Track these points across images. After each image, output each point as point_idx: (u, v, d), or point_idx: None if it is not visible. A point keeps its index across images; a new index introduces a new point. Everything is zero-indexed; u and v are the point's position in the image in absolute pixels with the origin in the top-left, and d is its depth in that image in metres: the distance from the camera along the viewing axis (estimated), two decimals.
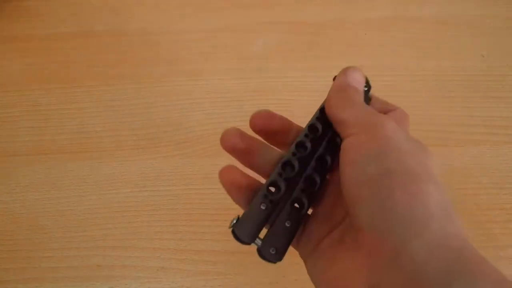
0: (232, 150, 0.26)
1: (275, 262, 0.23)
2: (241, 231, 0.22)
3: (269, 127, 0.26)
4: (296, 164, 0.24)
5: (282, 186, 0.23)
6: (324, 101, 0.26)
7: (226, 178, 0.24)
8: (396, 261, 0.17)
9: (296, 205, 0.24)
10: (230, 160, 0.44)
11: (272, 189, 0.24)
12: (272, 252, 0.23)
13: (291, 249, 0.38)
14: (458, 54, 0.49)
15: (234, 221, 0.23)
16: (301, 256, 0.24)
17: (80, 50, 0.51)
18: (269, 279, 0.36)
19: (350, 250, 0.21)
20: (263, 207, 0.23)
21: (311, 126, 0.25)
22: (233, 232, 0.22)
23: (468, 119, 0.44)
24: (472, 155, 0.42)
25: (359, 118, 0.22)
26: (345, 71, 0.25)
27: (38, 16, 0.55)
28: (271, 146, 0.26)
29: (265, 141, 0.26)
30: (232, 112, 0.45)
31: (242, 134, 0.25)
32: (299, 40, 0.51)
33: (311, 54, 0.50)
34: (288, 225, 0.23)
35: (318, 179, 0.24)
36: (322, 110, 0.26)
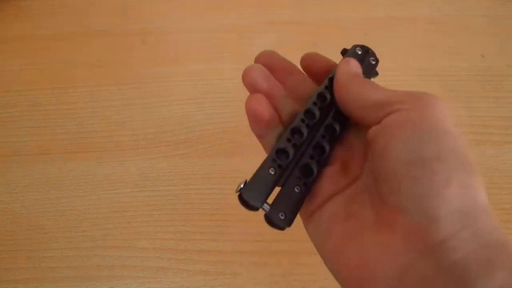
0: (252, 87, 0.25)
1: (283, 228, 0.22)
2: (249, 195, 0.22)
3: (271, 64, 0.26)
4: (304, 131, 0.24)
5: (291, 152, 0.23)
6: (333, 73, 0.25)
7: (251, 105, 0.24)
8: (439, 249, 0.17)
9: (305, 171, 0.23)
10: (229, 160, 0.44)
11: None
12: (281, 218, 0.22)
13: (290, 250, 0.38)
14: (458, 54, 0.49)
15: (242, 185, 0.22)
16: (301, 216, 0.24)
17: (80, 50, 0.51)
18: (268, 279, 0.36)
19: (374, 229, 0.20)
20: (271, 172, 0.23)
21: (319, 94, 0.25)
22: (240, 196, 0.22)
23: (468, 119, 0.44)
24: (472, 155, 0.42)
25: (402, 95, 0.21)
26: (347, 61, 0.25)
27: (38, 16, 0.55)
28: (290, 99, 0.25)
29: (286, 92, 0.25)
30: (232, 112, 0.45)
31: (266, 74, 0.25)
32: (299, 40, 0.51)
33: None
34: (297, 191, 0.23)
35: (327, 147, 0.24)
36: (330, 80, 0.25)
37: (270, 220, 0.22)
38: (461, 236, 0.17)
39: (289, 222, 0.22)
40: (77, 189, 0.41)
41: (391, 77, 0.48)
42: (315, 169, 0.23)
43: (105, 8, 0.55)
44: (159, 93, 0.47)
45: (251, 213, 0.40)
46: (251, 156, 0.37)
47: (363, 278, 0.19)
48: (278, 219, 0.22)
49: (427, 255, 0.17)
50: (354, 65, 0.24)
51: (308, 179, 0.23)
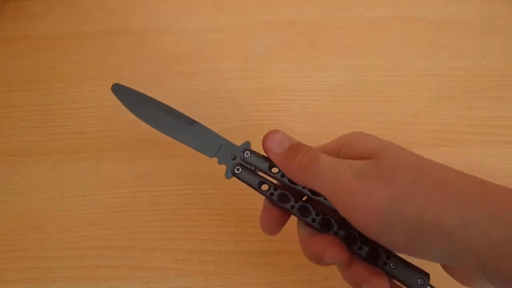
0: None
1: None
2: None
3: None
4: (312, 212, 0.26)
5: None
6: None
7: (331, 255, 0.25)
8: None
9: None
10: None
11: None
12: (420, 284, 0.24)
13: (290, 250, 0.38)
14: (458, 54, 0.49)
15: None
16: None
17: (80, 50, 0.51)
18: (268, 279, 0.36)
19: None
20: None
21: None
22: None
23: (468, 119, 0.44)
24: (472, 155, 0.42)
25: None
26: (269, 149, 0.27)
27: (38, 16, 0.55)
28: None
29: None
30: (232, 112, 0.45)
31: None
32: (299, 40, 0.51)
33: (311, 54, 0.50)
34: (393, 267, 0.25)
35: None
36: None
37: None
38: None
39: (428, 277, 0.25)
40: (77, 189, 0.41)
41: (390, 77, 0.48)
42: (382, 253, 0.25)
43: (104, 8, 0.55)
44: (159, 93, 0.47)
45: (251, 213, 0.40)
46: None
47: None
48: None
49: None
50: (277, 143, 0.27)
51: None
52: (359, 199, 0.22)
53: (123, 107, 0.45)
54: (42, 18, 0.54)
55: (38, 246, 0.38)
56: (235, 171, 0.28)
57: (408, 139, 0.43)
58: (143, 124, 0.43)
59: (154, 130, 0.45)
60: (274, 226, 0.28)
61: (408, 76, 0.48)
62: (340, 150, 0.26)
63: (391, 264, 0.25)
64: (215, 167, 0.42)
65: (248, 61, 0.49)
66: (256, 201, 0.39)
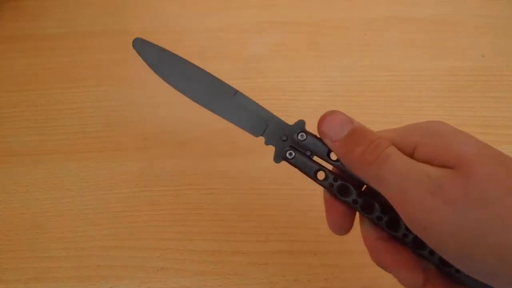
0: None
1: None
2: None
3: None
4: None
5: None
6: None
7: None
8: None
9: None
10: (229, 160, 0.44)
11: None
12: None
13: (290, 250, 0.38)
14: (458, 54, 0.49)
15: None
16: None
17: (80, 50, 0.51)
18: (268, 279, 0.36)
19: None
20: None
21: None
22: None
23: (468, 119, 0.44)
24: None
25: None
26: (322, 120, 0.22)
27: (38, 16, 0.55)
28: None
29: None
30: None
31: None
32: (299, 40, 0.51)
33: (311, 54, 0.50)
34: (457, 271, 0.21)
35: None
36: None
37: None
38: None
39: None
40: (77, 189, 0.41)
41: (390, 77, 0.48)
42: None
43: (104, 8, 0.55)
44: (159, 93, 0.47)
45: (251, 213, 0.40)
46: (251, 156, 0.37)
47: None
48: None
49: None
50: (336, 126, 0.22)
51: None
52: (436, 222, 0.18)
53: (123, 107, 0.45)
54: (42, 18, 0.54)
55: (38, 246, 0.38)
56: (287, 155, 0.24)
57: None
58: (143, 124, 0.43)
59: (154, 130, 0.45)
60: (344, 222, 0.23)
61: (408, 76, 0.48)
62: (416, 147, 0.21)
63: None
64: (215, 167, 0.42)
65: (248, 61, 0.49)
66: (256, 201, 0.39)
